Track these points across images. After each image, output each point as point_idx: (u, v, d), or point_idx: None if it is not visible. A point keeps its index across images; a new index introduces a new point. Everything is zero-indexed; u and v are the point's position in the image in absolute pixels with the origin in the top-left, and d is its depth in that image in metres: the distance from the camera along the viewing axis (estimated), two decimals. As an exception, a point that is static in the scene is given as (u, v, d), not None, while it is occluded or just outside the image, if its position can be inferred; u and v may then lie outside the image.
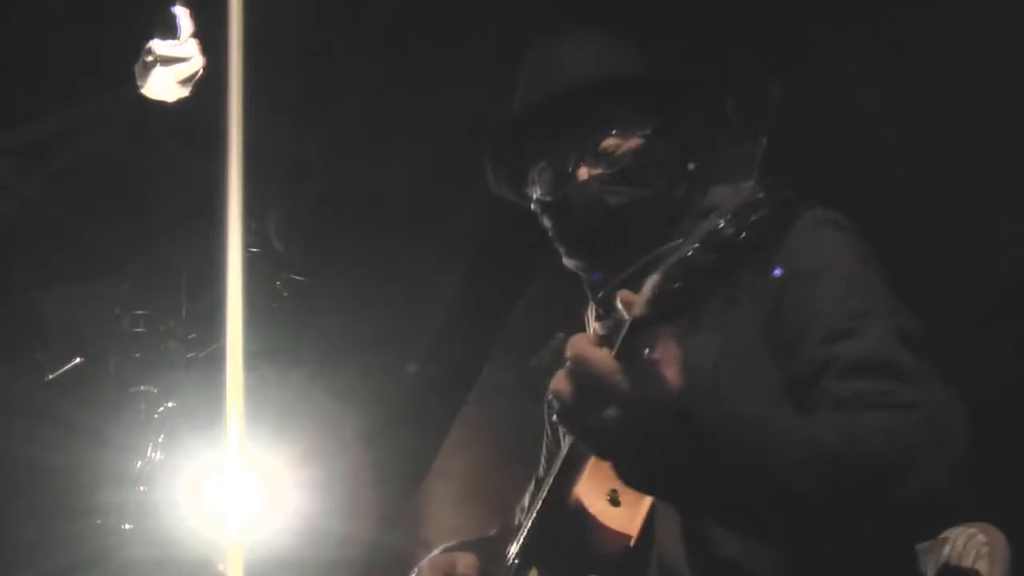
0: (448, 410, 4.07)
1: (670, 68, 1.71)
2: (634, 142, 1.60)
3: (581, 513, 1.40)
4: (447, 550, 1.73)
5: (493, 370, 3.82)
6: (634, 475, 1.10)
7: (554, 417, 1.10)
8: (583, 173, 1.58)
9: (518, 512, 1.83)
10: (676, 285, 1.05)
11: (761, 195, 1.48)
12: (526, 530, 1.47)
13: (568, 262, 1.65)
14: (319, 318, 3.89)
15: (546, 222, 1.65)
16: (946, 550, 1.52)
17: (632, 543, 1.38)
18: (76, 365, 3.63)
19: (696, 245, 1.07)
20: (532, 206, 1.69)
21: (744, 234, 1.06)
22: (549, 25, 1.72)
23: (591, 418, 1.04)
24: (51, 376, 3.61)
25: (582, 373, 1.04)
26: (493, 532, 1.81)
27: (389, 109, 3.33)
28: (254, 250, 3.59)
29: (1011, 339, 2.84)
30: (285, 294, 3.78)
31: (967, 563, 1.49)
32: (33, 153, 3.39)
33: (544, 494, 1.44)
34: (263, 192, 3.39)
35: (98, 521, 3.47)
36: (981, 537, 1.51)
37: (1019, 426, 2.76)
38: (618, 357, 1.04)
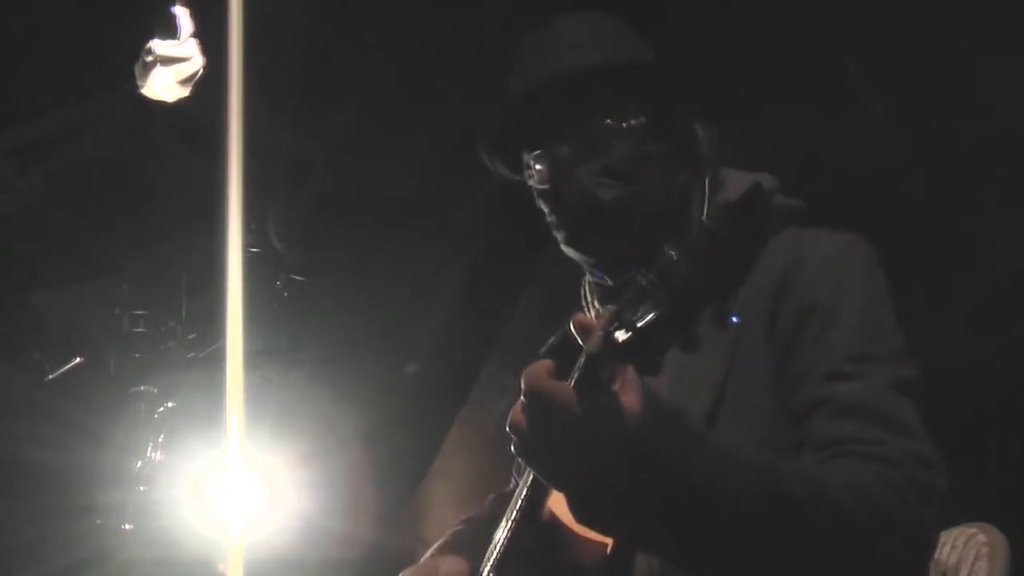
0: (448, 410, 4.06)
1: (667, 58, 1.69)
2: (627, 134, 1.56)
3: (555, 525, 1.38)
4: (434, 555, 1.71)
5: (493, 370, 3.82)
6: (587, 512, 1.06)
7: (512, 449, 1.06)
8: (575, 164, 1.55)
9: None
10: (627, 333, 0.99)
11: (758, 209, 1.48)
12: (500, 545, 1.45)
13: (565, 250, 1.63)
14: (319, 318, 3.89)
15: (543, 207, 1.63)
16: (945, 550, 1.52)
17: (609, 551, 1.36)
18: (76, 365, 3.63)
19: (652, 279, 1.01)
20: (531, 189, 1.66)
21: (702, 276, 0.99)
22: (546, 14, 1.70)
23: (547, 452, 1.03)
24: (51, 376, 3.61)
25: (538, 407, 1.02)
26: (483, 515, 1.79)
27: (390, 109, 3.32)
28: (254, 250, 3.59)
29: (1011, 339, 2.84)
30: (285, 294, 3.78)
31: (967, 563, 1.49)
32: (33, 153, 3.39)
33: (517, 507, 1.42)
34: (263, 192, 3.39)
35: (98, 521, 3.47)
36: (981, 537, 1.51)
37: (1019, 426, 2.76)
38: (575, 388, 1.01)
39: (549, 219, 1.61)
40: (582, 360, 1.02)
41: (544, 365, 1.03)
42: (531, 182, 1.62)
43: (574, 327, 1.03)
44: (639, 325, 0.98)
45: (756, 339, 1.40)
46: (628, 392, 1.02)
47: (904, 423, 1.28)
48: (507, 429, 1.05)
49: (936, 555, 1.51)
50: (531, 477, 1.38)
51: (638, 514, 1.05)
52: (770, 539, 1.09)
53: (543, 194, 1.61)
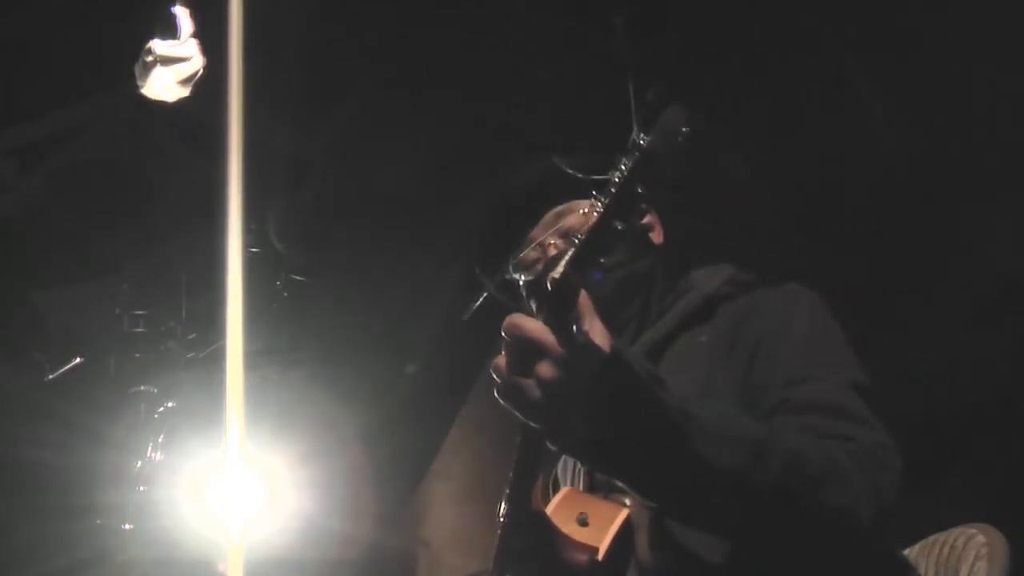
0: (448, 410, 4.07)
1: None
2: (596, 219, 1.68)
3: (551, 530, 1.45)
4: None
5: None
6: (567, 439, 1.12)
7: (495, 393, 1.11)
8: (552, 251, 1.71)
9: None
10: (576, 248, 1.12)
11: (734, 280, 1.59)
12: (496, 545, 1.51)
13: None
14: (319, 318, 3.89)
15: (531, 304, 1.73)
16: (945, 551, 1.52)
17: (600, 556, 1.42)
18: (76, 365, 3.64)
19: (606, 201, 1.14)
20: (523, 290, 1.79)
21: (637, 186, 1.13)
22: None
23: (527, 383, 1.08)
24: (51, 376, 3.61)
25: (516, 339, 1.09)
26: None
27: (389, 109, 3.33)
28: (254, 250, 3.60)
29: (1010, 339, 2.84)
30: (285, 294, 3.79)
31: (967, 563, 1.49)
32: (33, 153, 3.39)
33: (506, 508, 1.48)
34: (263, 192, 3.39)
35: (98, 521, 3.47)
36: (981, 537, 1.51)
37: (1019, 426, 2.76)
38: (547, 323, 1.09)
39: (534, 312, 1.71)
40: (549, 297, 1.10)
41: (522, 314, 1.11)
42: (520, 278, 1.77)
43: (548, 285, 1.11)
44: (586, 238, 1.12)
45: (722, 367, 1.53)
46: (596, 332, 1.10)
47: (856, 414, 1.37)
48: (491, 373, 1.11)
49: (936, 555, 1.52)
50: (512, 471, 1.43)
51: (612, 442, 1.11)
52: (734, 479, 1.14)
53: (527, 286, 1.75)
